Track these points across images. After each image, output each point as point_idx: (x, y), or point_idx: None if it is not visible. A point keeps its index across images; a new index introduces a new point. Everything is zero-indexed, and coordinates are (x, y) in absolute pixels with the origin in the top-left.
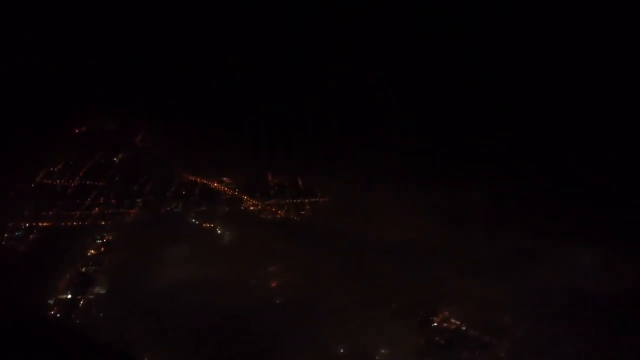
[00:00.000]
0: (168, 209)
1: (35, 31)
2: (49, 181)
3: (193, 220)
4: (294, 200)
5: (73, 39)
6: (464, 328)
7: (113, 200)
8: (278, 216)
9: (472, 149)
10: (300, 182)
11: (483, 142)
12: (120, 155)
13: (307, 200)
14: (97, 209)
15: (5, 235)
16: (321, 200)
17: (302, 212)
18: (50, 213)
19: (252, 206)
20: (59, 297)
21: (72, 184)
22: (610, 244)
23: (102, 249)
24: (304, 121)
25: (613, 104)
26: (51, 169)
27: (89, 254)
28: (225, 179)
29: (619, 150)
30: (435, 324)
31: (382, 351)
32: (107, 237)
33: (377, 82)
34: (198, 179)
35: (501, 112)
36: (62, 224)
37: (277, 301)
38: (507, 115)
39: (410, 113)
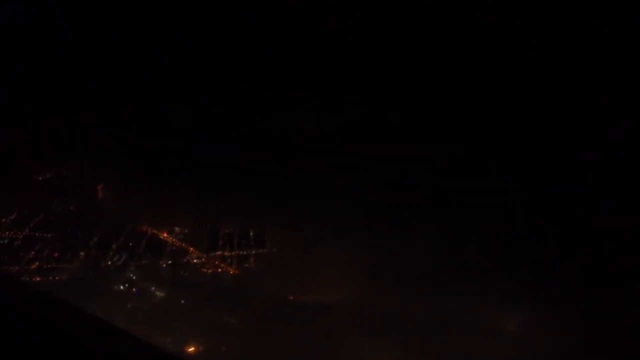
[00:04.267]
0: (109, 262)
1: None
2: None
3: (130, 275)
4: (240, 252)
5: (32, 81)
6: None
7: (55, 254)
8: (220, 270)
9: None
10: (251, 232)
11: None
12: (77, 204)
13: (253, 252)
14: (37, 263)
15: None
16: (268, 251)
17: (246, 265)
18: None
19: (195, 259)
20: None
21: (21, 236)
22: (537, 310)
23: None
24: (264, 168)
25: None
26: (3, 219)
27: None
28: (176, 228)
29: (552, 209)
30: None
31: None
32: None
33: (332, 129)
34: (148, 230)
35: (445, 169)
36: None
37: None
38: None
39: (369, 161)
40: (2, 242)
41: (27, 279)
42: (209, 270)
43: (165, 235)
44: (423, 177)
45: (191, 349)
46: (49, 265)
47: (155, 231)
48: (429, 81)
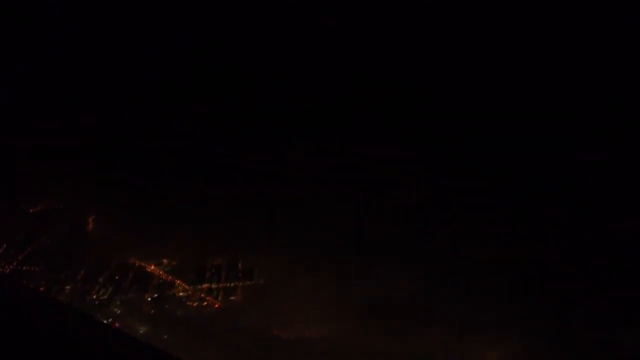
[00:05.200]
0: (95, 297)
1: None
2: None
3: (115, 310)
4: (227, 285)
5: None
6: None
7: (41, 288)
8: (205, 303)
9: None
10: (240, 264)
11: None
12: (65, 236)
13: (240, 284)
14: None
15: None
16: (256, 282)
17: (233, 298)
18: None
19: (182, 292)
20: None
21: (8, 269)
22: (519, 341)
23: None
24: (252, 199)
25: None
26: None
27: None
28: (164, 260)
29: (535, 241)
30: None
31: None
32: None
33: (319, 158)
34: (136, 262)
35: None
36: None
37: None
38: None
39: (353, 195)
40: None
41: None
42: (194, 304)
43: (152, 267)
44: (406, 212)
45: None
46: None
47: (143, 263)
48: (421, 106)
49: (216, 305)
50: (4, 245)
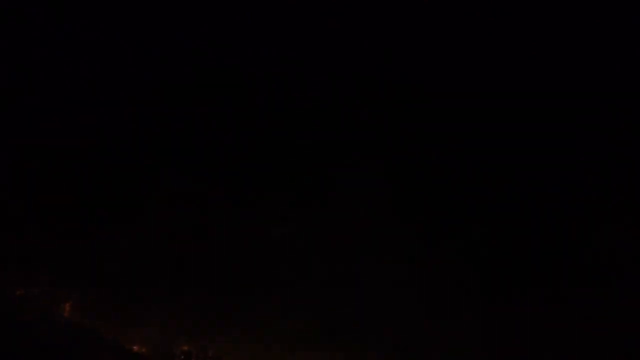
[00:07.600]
0: None
1: None
2: None
3: None
4: None
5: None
6: None
7: None
8: None
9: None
10: (210, 352)
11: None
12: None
13: None
14: None
15: None
16: None
17: None
18: None
19: None
20: None
21: None
22: None
23: None
24: (225, 283)
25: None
26: None
27: None
28: (135, 347)
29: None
30: None
31: None
32: None
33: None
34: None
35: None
36: None
37: None
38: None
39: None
40: None
41: None
42: None
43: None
44: (401, 292)
45: None
46: None
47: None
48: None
49: None
50: None
